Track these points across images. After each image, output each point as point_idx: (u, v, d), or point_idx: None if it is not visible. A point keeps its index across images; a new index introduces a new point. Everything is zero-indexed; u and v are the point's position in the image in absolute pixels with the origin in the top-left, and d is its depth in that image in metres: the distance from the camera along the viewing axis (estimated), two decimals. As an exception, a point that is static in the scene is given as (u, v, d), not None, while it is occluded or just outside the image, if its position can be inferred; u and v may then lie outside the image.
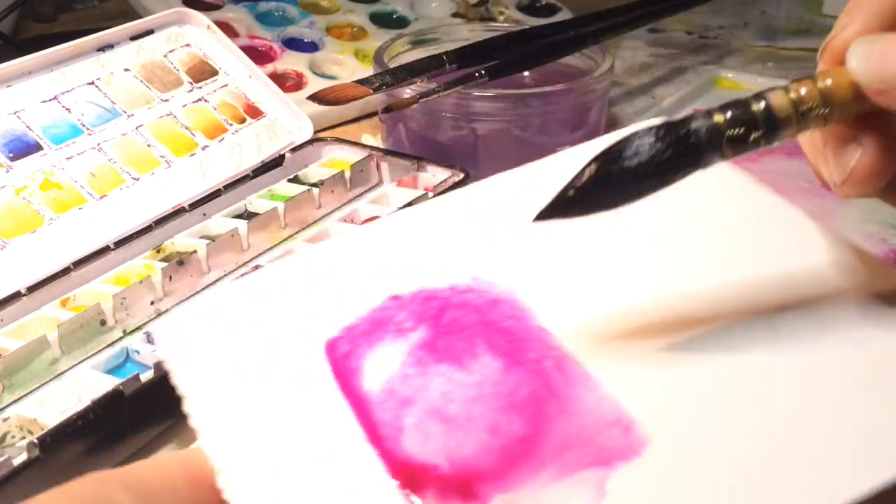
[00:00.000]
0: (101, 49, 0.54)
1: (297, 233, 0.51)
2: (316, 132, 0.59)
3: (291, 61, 0.68)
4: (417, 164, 0.54)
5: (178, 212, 0.50)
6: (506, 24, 0.74)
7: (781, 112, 0.29)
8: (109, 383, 0.38)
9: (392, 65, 0.59)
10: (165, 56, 0.56)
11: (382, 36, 0.71)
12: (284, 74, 0.67)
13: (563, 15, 0.79)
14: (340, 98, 0.53)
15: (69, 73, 0.52)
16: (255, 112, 0.56)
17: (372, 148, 0.56)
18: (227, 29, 0.70)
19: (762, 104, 0.29)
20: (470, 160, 0.56)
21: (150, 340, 0.42)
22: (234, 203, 0.52)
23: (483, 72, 0.54)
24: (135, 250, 0.48)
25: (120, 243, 0.47)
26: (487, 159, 0.56)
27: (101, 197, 0.49)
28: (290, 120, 0.57)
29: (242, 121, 0.55)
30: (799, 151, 0.62)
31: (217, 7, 0.72)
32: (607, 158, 0.29)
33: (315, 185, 0.53)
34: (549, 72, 0.59)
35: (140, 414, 0.37)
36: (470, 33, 0.65)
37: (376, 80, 0.54)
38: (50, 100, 0.50)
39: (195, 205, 0.50)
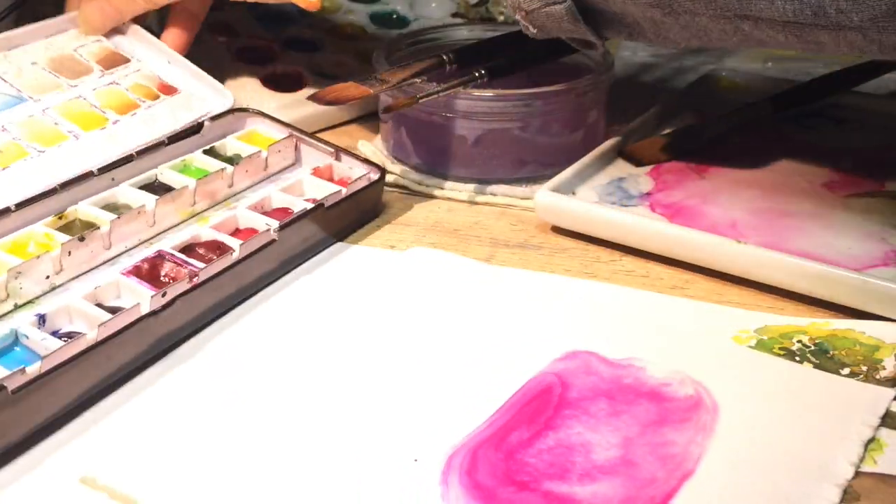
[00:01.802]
0: (11, 48, 0.54)
1: (206, 210, 0.50)
2: (315, 132, 0.59)
3: (291, 61, 0.68)
4: (336, 153, 0.54)
5: (85, 176, 0.48)
6: (506, 24, 0.74)
7: None
8: None
9: (392, 65, 0.59)
10: (75, 50, 0.56)
11: (382, 36, 0.71)
12: (284, 74, 0.67)
13: (563, 15, 0.79)
14: (340, 98, 0.53)
15: None
16: (169, 90, 0.56)
17: (293, 128, 0.55)
18: (226, 29, 0.70)
19: None
20: (470, 160, 0.56)
21: (41, 323, 0.41)
22: (145, 170, 0.51)
23: (483, 72, 0.54)
24: (37, 213, 0.46)
25: (21, 205, 0.46)
26: (488, 159, 0.56)
27: (4, 168, 0.48)
28: (209, 94, 0.56)
29: (156, 97, 0.55)
30: (800, 152, 0.62)
31: (216, 7, 0.72)
32: None
33: (230, 160, 0.52)
34: (549, 72, 0.59)
35: (24, 408, 0.36)
36: (470, 33, 0.65)
37: (376, 80, 0.54)
38: None
39: (104, 169, 0.49)
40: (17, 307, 0.43)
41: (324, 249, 0.50)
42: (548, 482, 0.35)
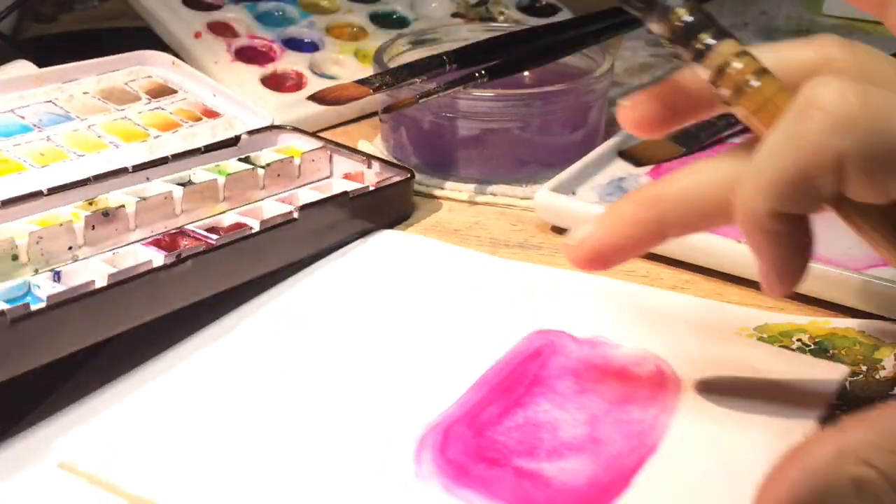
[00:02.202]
0: (65, 81, 0.56)
1: (234, 209, 0.51)
2: (315, 132, 0.59)
3: (291, 61, 0.68)
4: (368, 160, 0.54)
5: (119, 171, 0.50)
6: (506, 24, 0.74)
7: (716, 59, 0.32)
8: None
9: (392, 65, 0.59)
10: (126, 84, 0.58)
11: (382, 36, 0.71)
12: (284, 74, 0.67)
13: (563, 15, 0.79)
14: (340, 98, 0.53)
15: (27, 96, 0.54)
16: (212, 114, 0.57)
17: (327, 141, 0.56)
18: (226, 29, 0.70)
19: (712, 42, 0.32)
20: (470, 160, 0.56)
21: (56, 279, 0.43)
22: (179, 172, 0.52)
23: (483, 72, 0.54)
24: (68, 199, 0.48)
25: (54, 190, 0.47)
26: (488, 159, 0.56)
27: (43, 167, 0.49)
28: (250, 117, 0.57)
29: (198, 119, 0.56)
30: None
31: (217, 7, 0.72)
32: None
33: (263, 166, 0.53)
34: (549, 72, 0.59)
35: (28, 342, 0.38)
36: (470, 33, 0.65)
37: (376, 80, 0.54)
38: (5, 112, 0.52)
39: (139, 167, 0.50)
40: (37, 272, 0.44)
41: (348, 243, 0.51)
42: (517, 459, 0.36)
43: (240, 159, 0.53)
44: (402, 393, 0.39)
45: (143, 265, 0.42)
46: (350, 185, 0.52)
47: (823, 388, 0.39)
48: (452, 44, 0.62)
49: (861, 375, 0.41)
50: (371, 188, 0.51)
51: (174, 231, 0.47)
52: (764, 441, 0.36)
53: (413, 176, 0.53)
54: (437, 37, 0.65)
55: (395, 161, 0.57)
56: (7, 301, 0.41)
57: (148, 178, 0.50)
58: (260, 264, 0.46)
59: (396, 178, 0.53)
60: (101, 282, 0.41)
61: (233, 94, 0.59)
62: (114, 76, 0.58)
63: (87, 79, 0.57)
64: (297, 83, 0.67)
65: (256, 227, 0.46)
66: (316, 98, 0.53)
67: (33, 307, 0.38)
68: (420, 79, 0.55)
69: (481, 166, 0.56)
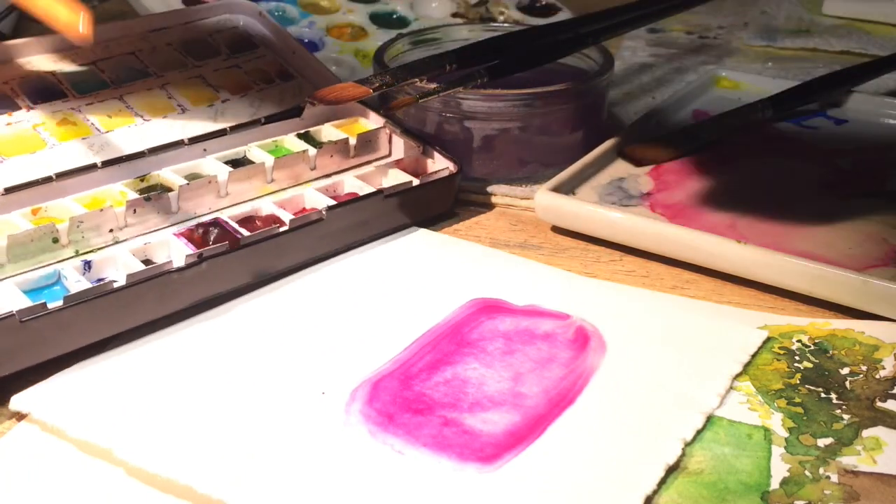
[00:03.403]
0: (153, 30, 0.56)
1: (285, 189, 0.51)
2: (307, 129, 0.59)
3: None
4: (423, 147, 0.54)
5: (175, 144, 0.50)
6: (506, 24, 0.74)
7: None
8: (20, 303, 0.40)
9: (392, 65, 0.59)
10: (210, 35, 0.58)
11: (382, 36, 0.71)
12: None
13: (563, 15, 0.79)
14: (340, 98, 0.53)
15: (112, 46, 0.54)
16: (286, 76, 0.57)
17: (390, 119, 0.56)
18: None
19: None
20: (470, 160, 0.56)
21: (86, 269, 0.44)
22: (237, 146, 0.52)
23: (483, 72, 0.54)
24: (122, 172, 0.48)
25: (108, 164, 0.48)
26: (488, 159, 0.56)
27: (107, 132, 0.50)
28: (323, 83, 0.56)
29: (271, 81, 0.56)
30: (800, 152, 0.62)
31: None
32: None
33: (321, 145, 0.53)
34: (549, 72, 0.59)
35: (38, 339, 0.39)
36: (470, 33, 0.65)
37: (376, 80, 0.53)
38: (88, 64, 0.53)
39: (195, 140, 0.51)
40: (77, 254, 0.45)
41: (387, 235, 0.51)
42: (441, 410, 0.39)
43: (298, 135, 0.54)
44: (339, 354, 0.42)
45: (162, 266, 0.43)
46: (397, 174, 0.52)
47: (741, 351, 0.42)
48: (452, 44, 0.62)
49: (861, 376, 0.41)
50: (413, 183, 0.51)
51: (209, 221, 0.47)
52: (675, 397, 0.39)
53: (459, 171, 0.53)
54: (437, 37, 0.65)
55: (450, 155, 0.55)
56: (36, 290, 0.42)
57: (205, 150, 0.51)
58: (280, 261, 0.47)
59: (439, 176, 0.52)
60: (121, 281, 0.41)
61: (310, 56, 0.58)
62: (200, 25, 0.58)
63: (174, 28, 0.57)
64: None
65: (286, 224, 0.46)
66: (316, 98, 0.53)
67: (50, 306, 0.39)
68: (420, 79, 0.54)
69: (481, 166, 0.56)
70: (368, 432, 0.38)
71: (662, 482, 0.35)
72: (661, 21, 0.78)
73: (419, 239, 0.51)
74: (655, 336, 0.43)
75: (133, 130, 0.50)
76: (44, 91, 0.51)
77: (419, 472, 0.36)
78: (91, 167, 0.48)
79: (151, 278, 0.42)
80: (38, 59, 0.52)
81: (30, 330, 0.39)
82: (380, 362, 0.42)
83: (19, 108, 0.50)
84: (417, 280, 0.48)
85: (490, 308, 0.45)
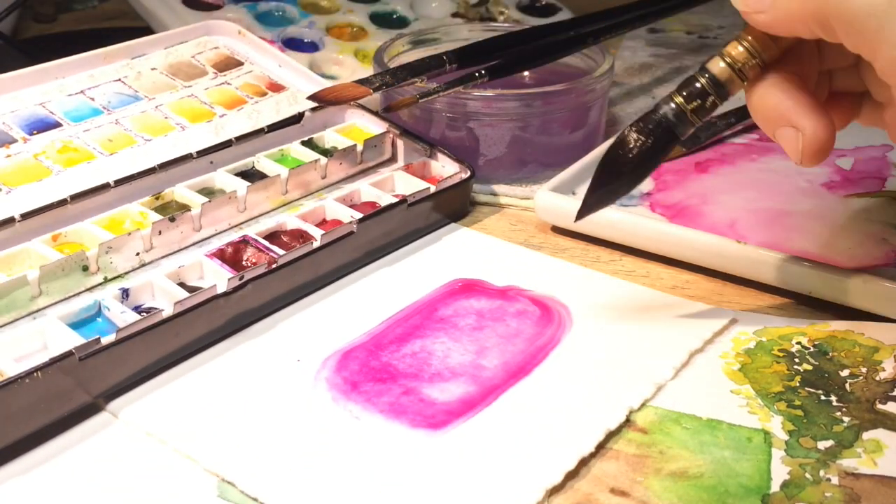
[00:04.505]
0: (134, 57, 0.56)
1: (298, 199, 0.52)
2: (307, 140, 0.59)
3: (291, 61, 0.68)
4: (430, 150, 0.54)
5: (184, 158, 0.50)
6: (506, 24, 0.74)
7: (722, 76, 0.40)
8: (71, 340, 0.39)
9: (392, 65, 0.59)
10: (193, 57, 0.58)
11: (382, 36, 0.71)
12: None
13: (563, 15, 0.79)
14: (340, 98, 0.53)
15: (97, 74, 0.55)
16: (277, 88, 0.57)
17: (391, 123, 0.56)
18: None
19: (706, 76, 0.40)
20: (470, 160, 0.56)
21: (124, 297, 0.44)
22: (243, 157, 0.52)
23: (483, 72, 0.54)
24: (135, 190, 0.48)
25: (121, 182, 0.48)
26: (488, 160, 0.56)
27: (111, 154, 0.50)
28: (314, 87, 0.57)
29: (263, 94, 0.56)
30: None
31: (217, 7, 0.72)
32: (608, 159, 0.40)
33: (326, 152, 0.53)
34: (549, 72, 0.59)
35: (93, 375, 0.39)
36: (470, 33, 0.65)
37: (376, 80, 0.54)
38: (76, 93, 0.53)
39: (203, 152, 0.51)
40: (106, 280, 0.45)
41: (408, 243, 0.51)
42: (403, 379, 0.41)
43: (303, 143, 0.54)
44: (317, 325, 0.44)
45: (207, 291, 0.42)
46: (409, 180, 0.53)
47: (704, 329, 0.43)
48: (452, 44, 0.62)
49: (861, 378, 0.41)
50: (432, 190, 0.51)
51: (238, 240, 0.47)
52: (630, 372, 0.41)
53: (473, 174, 0.53)
54: (437, 37, 0.64)
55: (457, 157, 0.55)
56: (78, 323, 0.42)
57: (212, 163, 0.51)
58: (319, 277, 0.47)
59: (458, 178, 0.52)
60: (167, 309, 0.41)
61: (297, 65, 0.59)
62: (181, 49, 0.58)
63: (155, 53, 0.57)
64: (297, 83, 0.67)
65: (317, 240, 0.47)
66: (316, 98, 0.53)
67: (104, 341, 0.39)
68: (420, 79, 0.54)
69: (481, 166, 0.56)
70: (332, 399, 0.40)
71: (602, 446, 0.37)
72: (661, 21, 0.78)
73: (455, 238, 0.52)
74: (624, 316, 0.45)
75: (137, 150, 0.50)
76: (37, 122, 0.51)
77: (372, 437, 0.38)
78: (104, 187, 0.47)
79: (200, 305, 0.42)
80: (24, 93, 0.52)
81: (86, 367, 0.38)
82: (353, 335, 0.44)
83: (15, 140, 0.49)
84: (410, 263, 0.49)
85: (468, 287, 0.47)
